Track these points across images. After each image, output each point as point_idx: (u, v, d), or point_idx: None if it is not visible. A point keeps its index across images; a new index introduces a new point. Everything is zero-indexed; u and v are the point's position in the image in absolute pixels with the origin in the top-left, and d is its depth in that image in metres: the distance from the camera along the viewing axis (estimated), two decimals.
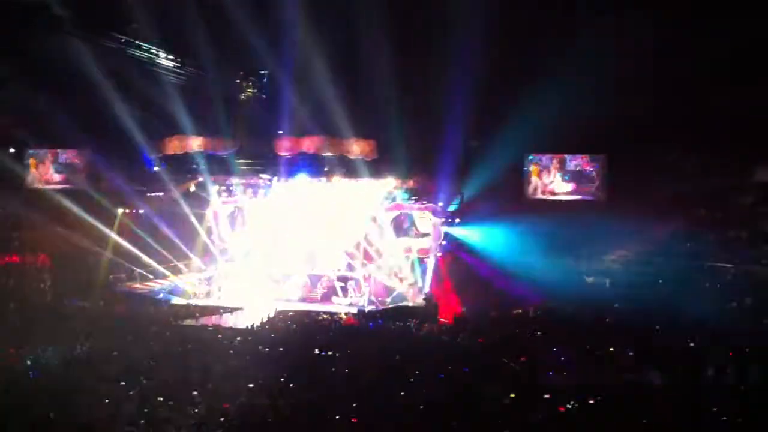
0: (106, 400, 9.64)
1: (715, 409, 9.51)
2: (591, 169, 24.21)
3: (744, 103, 19.42)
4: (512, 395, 10.11)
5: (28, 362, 11.81)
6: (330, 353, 13.80)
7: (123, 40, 21.70)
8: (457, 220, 25.68)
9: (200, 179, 27.39)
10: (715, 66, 19.25)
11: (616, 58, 19.25)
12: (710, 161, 21.12)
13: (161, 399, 9.81)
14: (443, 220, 25.70)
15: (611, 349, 13.58)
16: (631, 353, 13.19)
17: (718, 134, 20.72)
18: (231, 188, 27.90)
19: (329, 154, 24.81)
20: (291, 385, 10.80)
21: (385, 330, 19.27)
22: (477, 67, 20.42)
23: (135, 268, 26.05)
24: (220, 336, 16.47)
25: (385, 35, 20.30)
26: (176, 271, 27.05)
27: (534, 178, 24.88)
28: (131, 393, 10.17)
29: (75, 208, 24.44)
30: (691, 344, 14.03)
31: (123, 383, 10.51)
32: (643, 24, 18.97)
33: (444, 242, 25.73)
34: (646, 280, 21.92)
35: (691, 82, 19.89)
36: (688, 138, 21.22)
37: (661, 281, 21.54)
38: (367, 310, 23.57)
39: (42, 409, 9.01)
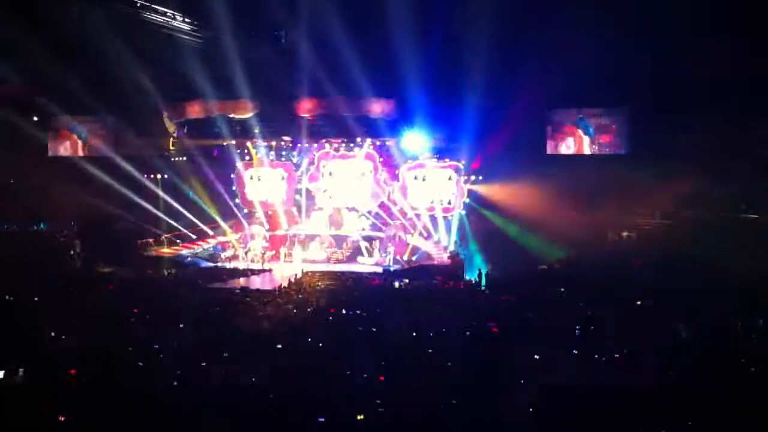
0: (139, 363, 9.80)
1: (743, 360, 9.48)
2: (611, 122, 23.99)
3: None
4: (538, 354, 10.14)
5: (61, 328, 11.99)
6: (357, 312, 13.90)
7: (138, 4, 21.59)
8: (480, 178, 25.59)
9: (223, 143, 27.56)
10: (737, 19, 18.79)
11: (637, 11, 18.83)
12: (733, 113, 20.67)
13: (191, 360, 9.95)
14: (466, 177, 25.62)
15: (638, 303, 13.55)
16: (656, 307, 13.16)
17: (741, 85, 20.28)
18: (254, 151, 27.97)
19: (349, 114, 24.75)
20: (320, 344, 10.90)
21: (410, 288, 19.39)
22: (496, 21, 20.11)
23: (162, 233, 26.37)
24: (248, 298, 16.63)
25: None
26: (203, 235, 27.31)
27: (555, 134, 24.70)
28: (162, 356, 10.32)
29: (101, 175, 24.64)
30: (716, 296, 13.93)
31: (156, 346, 10.66)
32: None
33: (467, 199, 25.70)
34: (670, 233, 21.74)
35: (712, 34, 19.42)
36: (712, 90, 20.81)
37: (685, 234, 21.33)
38: (392, 269, 23.69)
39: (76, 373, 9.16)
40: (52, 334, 11.33)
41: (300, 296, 16.95)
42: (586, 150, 24.22)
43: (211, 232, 27.52)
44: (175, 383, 8.90)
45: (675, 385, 8.61)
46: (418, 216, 26.25)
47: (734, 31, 18.83)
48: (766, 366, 9.28)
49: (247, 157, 27.97)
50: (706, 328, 11.31)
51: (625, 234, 23.15)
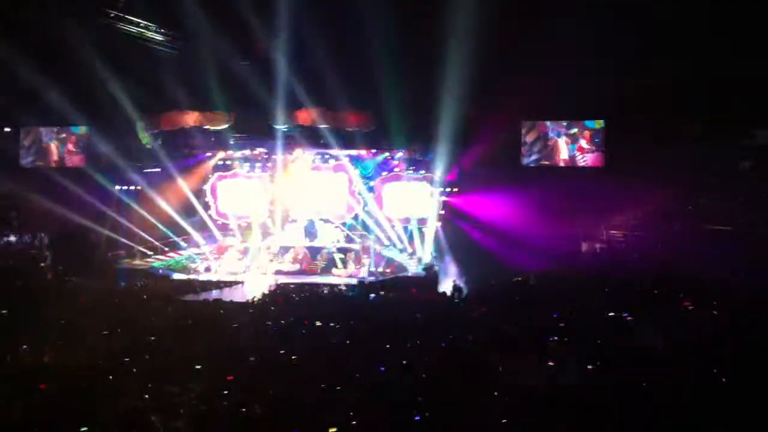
0: (110, 376, 9.65)
1: (715, 371, 9.54)
2: (589, 134, 24.12)
3: (743, 67, 19.29)
4: (513, 363, 10.13)
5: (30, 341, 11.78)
6: (331, 324, 13.82)
7: (112, 15, 21.42)
8: (455, 189, 25.67)
9: (197, 154, 27.43)
10: (716, 28, 19.05)
11: (614, 22, 19.00)
12: (710, 125, 20.94)
13: (163, 374, 9.82)
14: (441, 189, 25.67)
15: (612, 315, 13.61)
16: (631, 318, 13.23)
17: (717, 98, 20.56)
18: (228, 163, 27.90)
19: (325, 126, 24.70)
20: (293, 357, 10.80)
21: (385, 300, 19.34)
22: (473, 32, 20.20)
23: (134, 245, 26.11)
24: (221, 311, 16.48)
25: (379, 3, 20.02)
26: (175, 247, 27.08)
27: (531, 145, 24.77)
28: (134, 369, 10.17)
29: (73, 186, 24.35)
30: (691, 308, 14.06)
31: (126, 359, 10.51)
32: None
33: (442, 212, 25.75)
34: (645, 244, 21.93)
35: (690, 45, 19.67)
36: (688, 102, 21.06)
37: (660, 245, 21.53)
38: (367, 281, 23.62)
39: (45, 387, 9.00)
40: (24, 347, 11.15)
41: (273, 308, 16.83)
42: (562, 162, 24.33)
43: (184, 244, 27.32)
44: (146, 396, 8.78)
45: (648, 395, 8.65)
46: (393, 228, 26.25)
47: (712, 44, 19.08)
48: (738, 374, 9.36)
49: (222, 169, 27.87)
50: (679, 339, 11.39)
51: (597, 246, 23.33)
